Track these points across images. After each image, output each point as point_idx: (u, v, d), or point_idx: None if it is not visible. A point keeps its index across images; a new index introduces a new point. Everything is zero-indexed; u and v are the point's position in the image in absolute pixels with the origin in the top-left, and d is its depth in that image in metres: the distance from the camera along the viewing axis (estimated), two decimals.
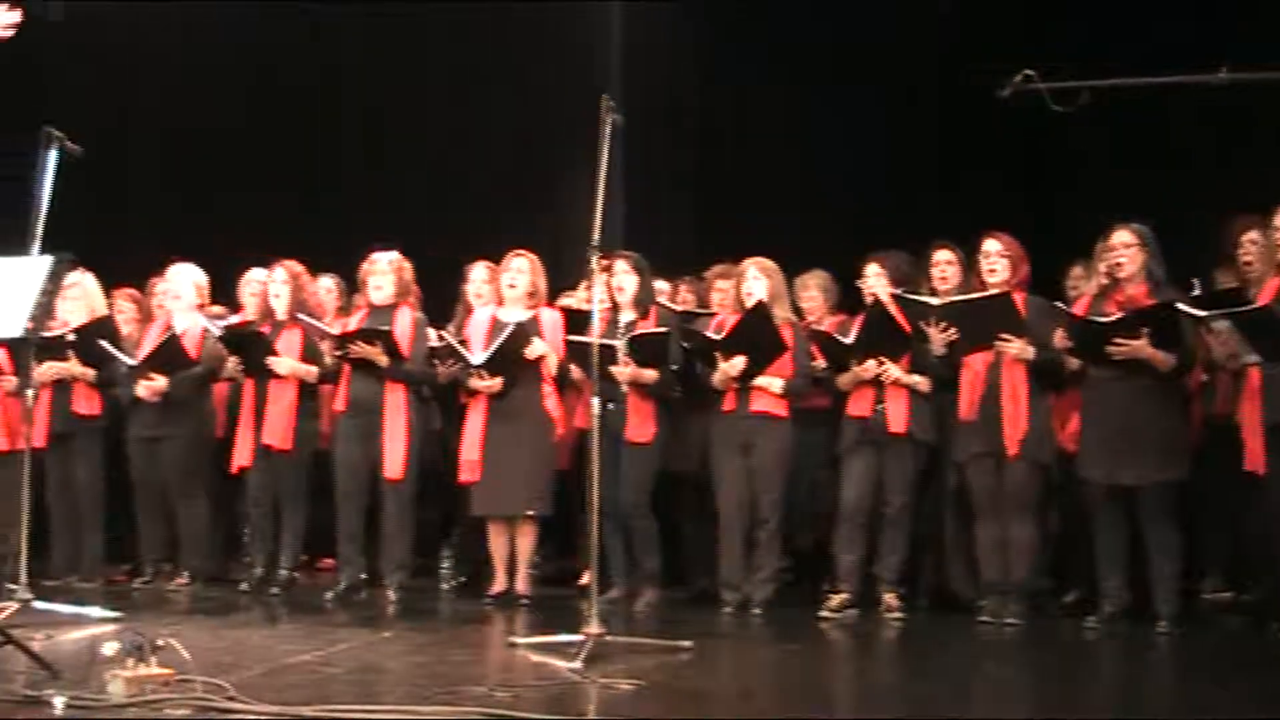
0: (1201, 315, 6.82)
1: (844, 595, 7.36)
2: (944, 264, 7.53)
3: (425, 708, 4.78)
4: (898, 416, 7.36)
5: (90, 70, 11.37)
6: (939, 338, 7.23)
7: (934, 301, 7.37)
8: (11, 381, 8.34)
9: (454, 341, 7.86)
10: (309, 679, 5.35)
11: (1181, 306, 6.78)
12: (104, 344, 8.20)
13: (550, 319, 7.88)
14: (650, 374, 7.56)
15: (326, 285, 8.68)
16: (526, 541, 7.81)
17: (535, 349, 7.69)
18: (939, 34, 9.73)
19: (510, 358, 7.64)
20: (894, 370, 7.34)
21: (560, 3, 10.63)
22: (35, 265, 5.57)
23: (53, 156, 7.08)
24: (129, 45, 11.39)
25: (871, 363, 7.36)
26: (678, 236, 10.51)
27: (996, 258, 7.19)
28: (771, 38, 10.14)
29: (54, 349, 8.12)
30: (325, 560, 8.85)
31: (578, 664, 5.57)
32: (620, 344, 7.47)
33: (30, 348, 6.99)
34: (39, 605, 6.77)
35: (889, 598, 7.37)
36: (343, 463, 7.98)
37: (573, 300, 8.42)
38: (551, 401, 7.81)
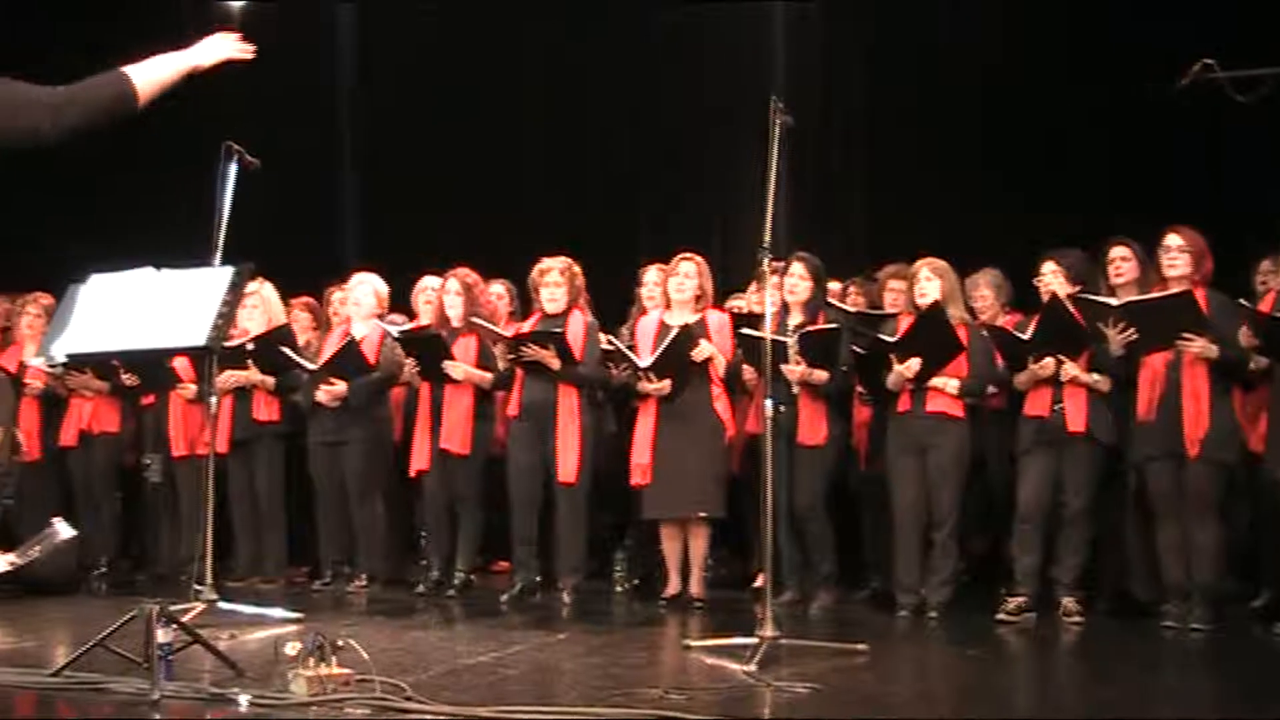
0: None
1: (1021, 598, 7.21)
2: (1120, 260, 7.33)
3: (600, 710, 4.79)
4: (1076, 416, 7.20)
5: (260, 76, 11.60)
6: (1117, 338, 7.05)
7: (1113, 303, 7.17)
8: (190, 390, 8.55)
9: (622, 345, 7.87)
10: (485, 680, 5.39)
11: None
12: (285, 350, 8.36)
13: (717, 321, 7.86)
14: (821, 374, 7.50)
15: (497, 291, 8.75)
16: (699, 544, 7.79)
17: (702, 351, 7.67)
18: (1109, 25, 9.51)
19: (678, 360, 7.63)
20: (1072, 368, 7.19)
21: (727, 4, 10.61)
22: (216, 276, 5.69)
23: (232, 169, 7.24)
24: (301, 48, 11.62)
25: (1049, 360, 7.21)
26: (848, 237, 10.44)
27: (1177, 253, 6.98)
28: (940, 36, 10.02)
29: (234, 357, 8.30)
30: (500, 563, 8.94)
31: (752, 667, 5.55)
32: (791, 341, 7.43)
33: (212, 356, 7.14)
34: (224, 606, 6.92)
35: (1068, 601, 7.20)
36: (517, 467, 8.05)
37: (741, 302, 8.39)
38: (721, 404, 7.78)
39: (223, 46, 4.20)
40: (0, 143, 3.59)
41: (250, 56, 4.26)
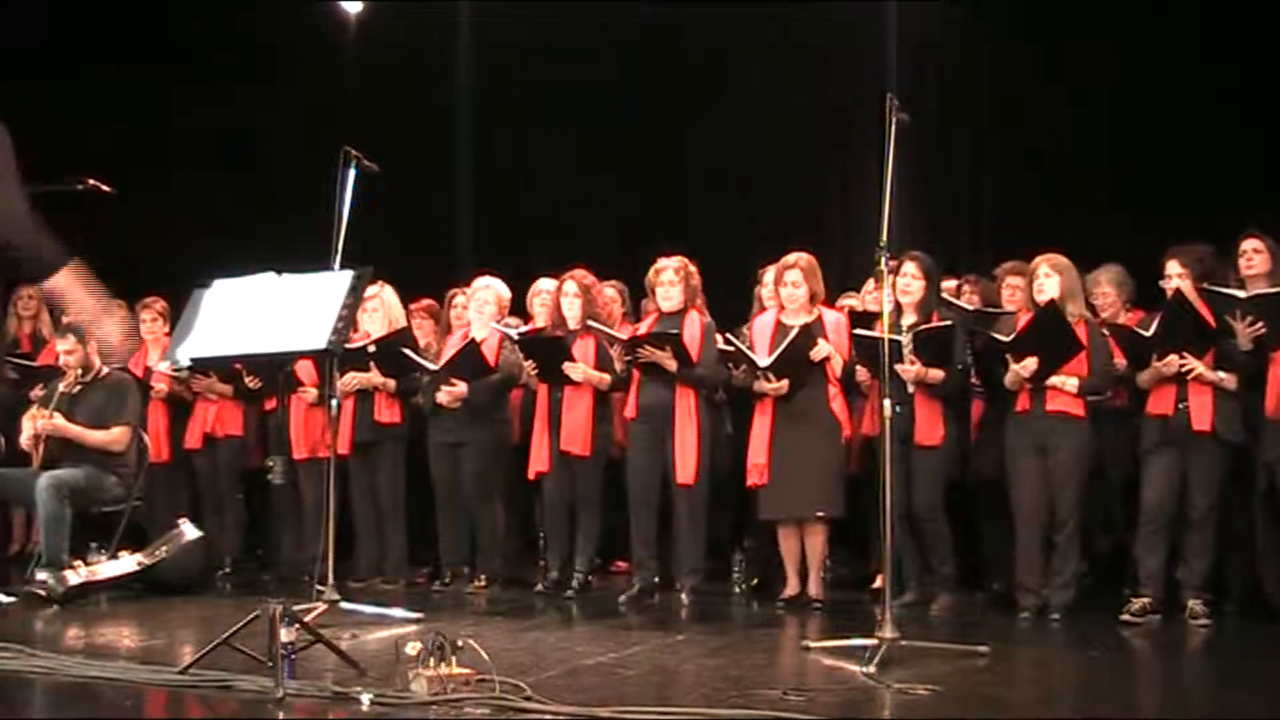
0: None
1: (1146, 600, 7.08)
2: (1251, 252, 7.19)
3: (719, 710, 4.79)
4: (1201, 414, 7.06)
5: (379, 79, 11.76)
6: (1245, 332, 6.92)
7: (1240, 294, 7.04)
8: (312, 393, 8.65)
9: (740, 344, 7.85)
10: (604, 680, 5.41)
11: None
12: (407, 352, 8.44)
13: (834, 320, 7.81)
14: (937, 373, 7.43)
15: (611, 294, 8.76)
16: (817, 544, 7.75)
17: (821, 350, 7.63)
18: (1236, 17, 9.32)
19: (796, 360, 7.59)
20: (1196, 365, 7.06)
21: (845, 4, 10.55)
22: (337, 280, 5.76)
23: (351, 174, 7.32)
24: (418, 51, 11.75)
25: (1173, 357, 7.08)
26: (967, 235, 10.34)
27: None
28: (1056, 35, 9.88)
29: (356, 360, 8.39)
30: (619, 564, 8.95)
31: (871, 668, 5.52)
32: (906, 340, 7.37)
33: (333, 359, 7.21)
34: (346, 606, 6.99)
35: (1194, 604, 7.05)
36: (635, 468, 8.05)
37: (855, 301, 8.34)
38: (838, 403, 7.73)
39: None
40: None
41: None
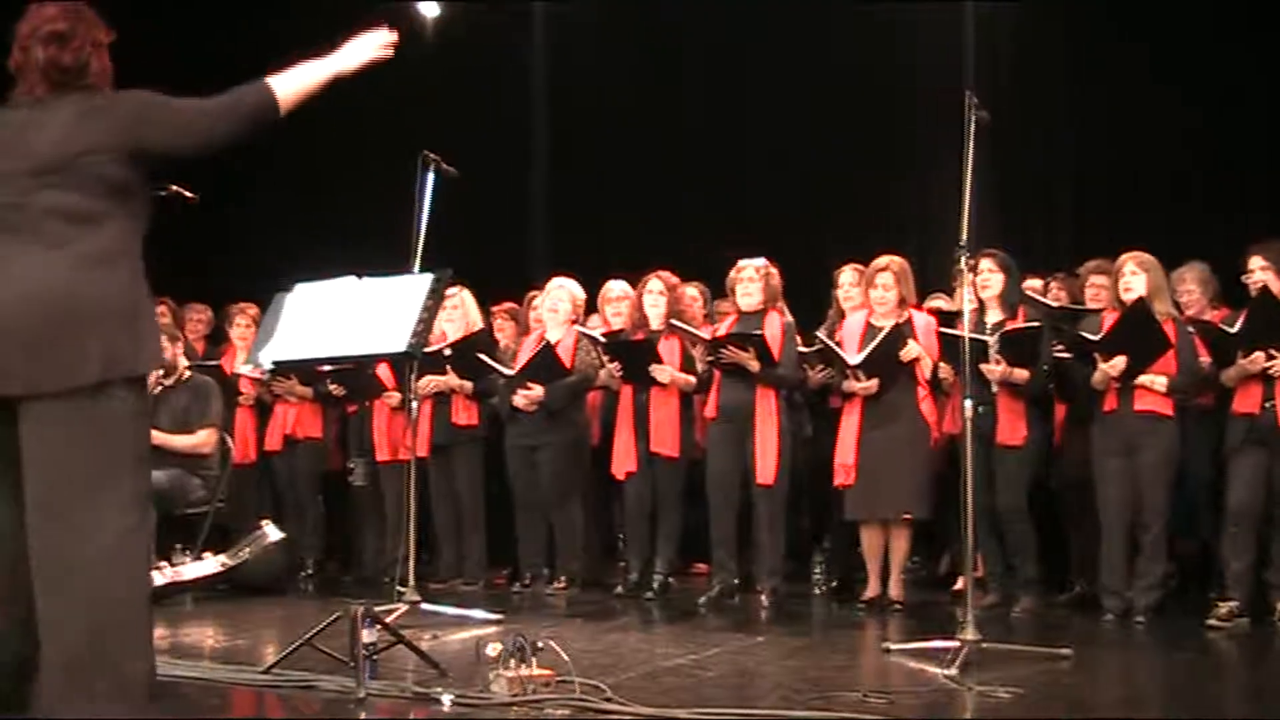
0: None
1: (1233, 603, 6.97)
2: None
3: (798, 713, 4.78)
4: None
5: (454, 80, 11.82)
6: None
7: None
8: (395, 398, 8.69)
9: (830, 343, 7.81)
10: (684, 682, 5.40)
11: None
12: (482, 356, 8.47)
13: (923, 322, 7.76)
14: (1022, 373, 7.37)
15: (691, 294, 8.75)
16: (901, 545, 7.71)
17: (910, 351, 7.59)
18: None
19: (886, 359, 7.56)
20: None
21: (921, 3, 10.50)
22: (417, 283, 5.78)
23: (430, 178, 7.36)
24: (494, 53, 11.81)
25: (1259, 355, 6.98)
26: (1054, 235, 10.26)
27: None
28: (1144, 30, 9.77)
29: (433, 363, 8.43)
30: (699, 565, 8.94)
31: (953, 670, 5.48)
32: (992, 340, 7.31)
33: (413, 362, 7.25)
34: (426, 607, 7.04)
35: None
36: (715, 468, 8.04)
37: (941, 302, 8.29)
38: (927, 405, 7.69)
39: (365, 48, 4.15)
40: (145, 156, 3.66)
41: (390, 54, 4.24)
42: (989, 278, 7.53)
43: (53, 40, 3.70)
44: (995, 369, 7.31)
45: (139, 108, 3.69)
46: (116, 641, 3.47)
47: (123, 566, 3.50)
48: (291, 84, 3.87)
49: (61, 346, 3.47)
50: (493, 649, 5.09)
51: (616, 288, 8.64)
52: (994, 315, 7.56)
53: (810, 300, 8.58)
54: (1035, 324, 7.43)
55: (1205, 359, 7.32)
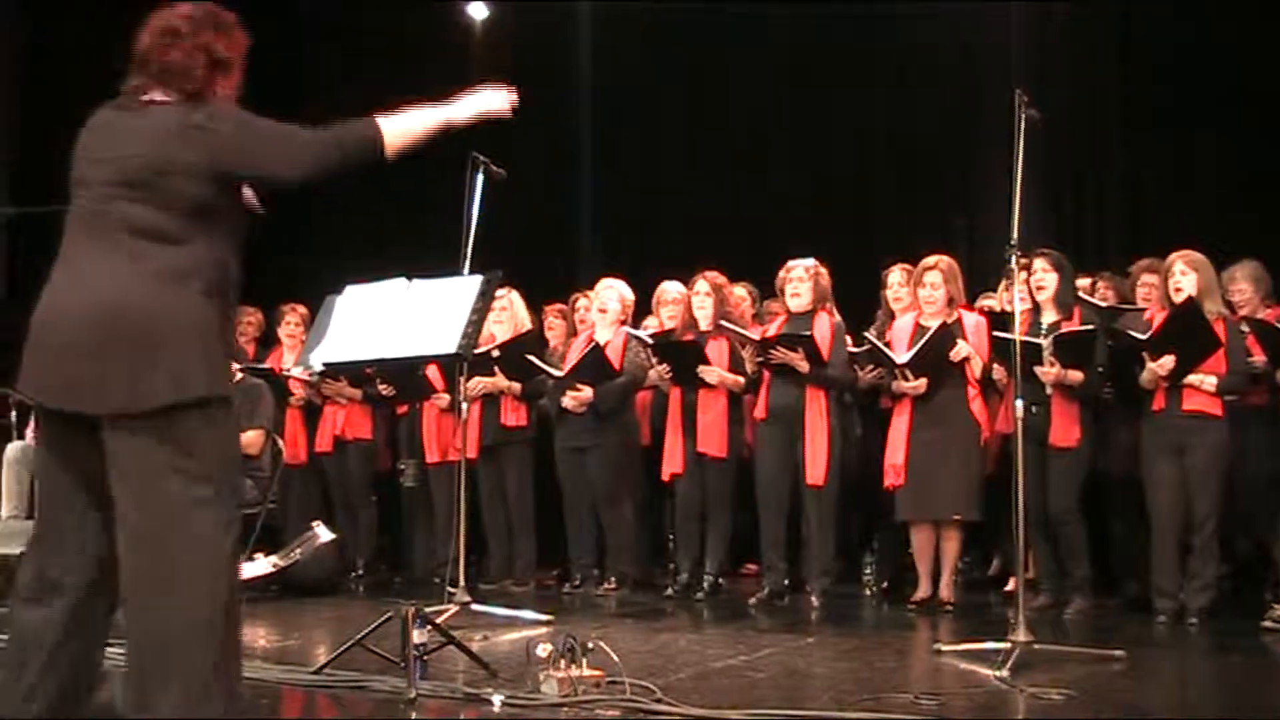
0: None
1: None
2: None
3: (850, 714, 4.76)
4: None
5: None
6: None
7: None
8: (445, 399, 8.72)
9: (878, 342, 7.78)
10: (734, 683, 5.39)
11: None
12: (530, 357, 8.48)
13: (973, 322, 7.72)
14: (1076, 375, 7.32)
15: (740, 294, 8.74)
16: (952, 546, 7.68)
17: (960, 351, 7.55)
18: None
19: (935, 358, 7.53)
20: None
21: (970, 4, 10.45)
22: (467, 284, 5.80)
23: (479, 180, 7.37)
24: (542, 54, 11.82)
25: None
26: (1104, 234, 10.19)
27: None
28: (1192, 29, 9.70)
29: (482, 364, 8.44)
30: (749, 566, 8.93)
31: (1004, 672, 5.44)
32: (1045, 343, 7.27)
33: (462, 364, 7.26)
34: (477, 608, 7.05)
35: None
36: (765, 469, 8.03)
37: (992, 302, 8.24)
38: (977, 405, 7.65)
39: (484, 102, 4.11)
40: (233, 181, 3.63)
41: (511, 113, 4.22)
42: (1043, 278, 7.48)
43: (165, 34, 3.66)
44: (1050, 371, 7.26)
45: (238, 133, 3.62)
46: (199, 658, 3.47)
47: (206, 585, 3.50)
48: (401, 127, 3.81)
49: (130, 365, 3.45)
50: (543, 650, 5.09)
51: (671, 289, 8.65)
52: (1049, 316, 7.50)
53: (861, 301, 8.54)
54: (1090, 327, 7.37)
55: (1260, 358, 7.26)
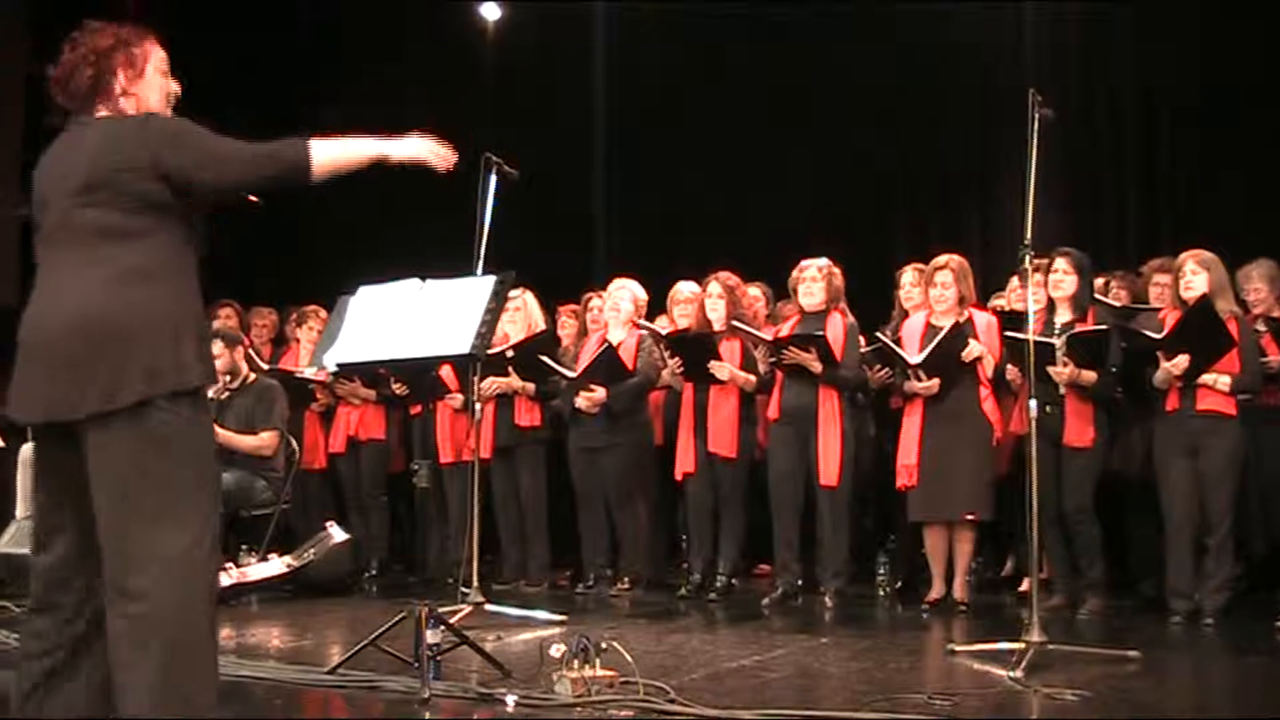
0: None
1: None
2: None
3: (864, 714, 4.76)
4: None
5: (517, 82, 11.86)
6: None
7: None
8: (459, 400, 8.73)
9: (889, 342, 7.78)
10: (748, 683, 5.39)
11: None
12: (544, 357, 8.48)
13: (985, 321, 7.71)
14: (1090, 375, 7.30)
15: (754, 294, 8.73)
16: (965, 547, 7.67)
17: (972, 350, 7.54)
18: None
19: (947, 358, 7.52)
20: None
21: (983, 3, 10.44)
22: (480, 285, 5.80)
23: (493, 180, 7.38)
24: (555, 54, 11.83)
25: None
26: (1116, 233, 10.17)
27: None
28: (1206, 29, 9.67)
29: (496, 364, 8.44)
30: (762, 566, 8.93)
31: (1018, 672, 5.44)
32: (1059, 343, 7.25)
33: (476, 364, 7.26)
34: (490, 608, 7.06)
35: None
36: (778, 470, 8.02)
37: (1002, 301, 8.23)
38: (989, 404, 7.64)
39: (424, 150, 4.10)
40: (179, 187, 3.69)
41: (448, 168, 4.21)
42: (1063, 278, 7.46)
43: (62, 66, 3.79)
44: (1063, 371, 7.25)
45: (169, 131, 3.71)
46: (184, 661, 3.51)
47: (183, 584, 3.53)
48: (332, 154, 3.82)
49: (103, 367, 3.52)
50: (556, 650, 5.09)
51: (685, 289, 8.64)
52: (1064, 315, 7.49)
53: (875, 302, 8.53)
54: (1103, 326, 7.36)
55: (1275, 357, 7.24)
